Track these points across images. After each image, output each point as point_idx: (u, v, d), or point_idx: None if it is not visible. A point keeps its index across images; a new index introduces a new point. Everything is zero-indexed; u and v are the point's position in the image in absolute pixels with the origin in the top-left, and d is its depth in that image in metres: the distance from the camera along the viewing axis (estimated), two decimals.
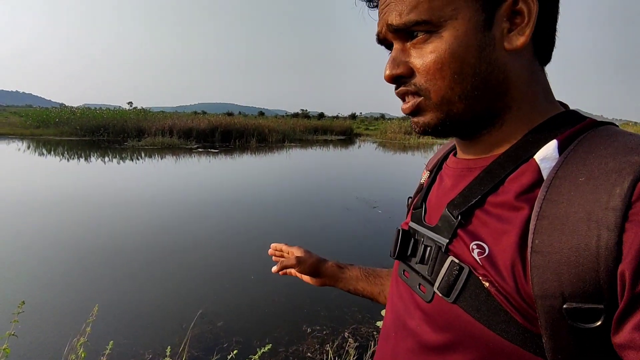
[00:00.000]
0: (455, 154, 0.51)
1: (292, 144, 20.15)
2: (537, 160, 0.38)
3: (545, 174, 0.36)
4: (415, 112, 0.44)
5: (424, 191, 0.54)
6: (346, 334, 2.78)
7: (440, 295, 0.41)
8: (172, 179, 9.03)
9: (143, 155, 13.13)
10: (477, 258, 0.38)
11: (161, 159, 12.58)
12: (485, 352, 0.37)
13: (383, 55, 0.46)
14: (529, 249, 0.33)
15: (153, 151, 14.22)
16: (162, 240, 4.74)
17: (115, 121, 18.91)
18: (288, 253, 0.85)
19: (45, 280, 3.56)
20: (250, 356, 1.81)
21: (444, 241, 0.43)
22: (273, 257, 0.88)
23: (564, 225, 0.32)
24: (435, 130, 0.44)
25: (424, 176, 0.58)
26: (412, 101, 0.44)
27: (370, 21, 0.47)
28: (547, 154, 0.37)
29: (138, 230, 5.06)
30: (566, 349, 0.32)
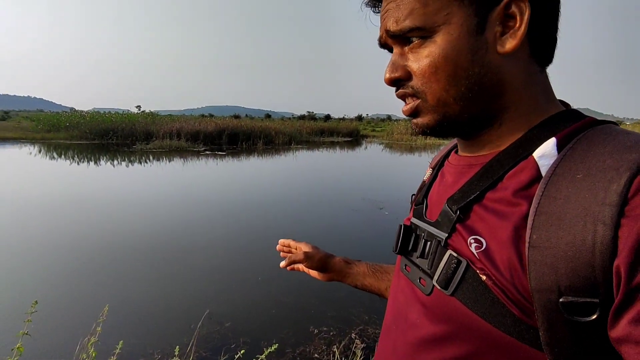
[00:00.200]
0: (457, 152, 0.52)
1: (298, 146, 20.19)
2: (535, 157, 0.38)
3: (543, 171, 0.37)
4: (414, 114, 0.46)
5: (425, 188, 0.55)
6: (353, 335, 2.79)
7: (438, 288, 0.42)
8: (180, 181, 9.11)
9: (151, 158, 13.27)
10: (474, 252, 0.39)
11: (169, 161, 12.70)
12: (482, 343, 0.38)
13: (388, 57, 0.48)
14: (526, 244, 0.34)
15: (161, 154, 14.36)
16: (171, 241, 4.78)
17: (124, 125, 19.16)
18: (296, 248, 0.86)
19: (57, 281, 3.62)
20: (257, 356, 1.83)
21: (443, 235, 0.44)
22: (281, 253, 0.89)
23: (561, 221, 0.32)
24: (433, 131, 0.45)
25: (427, 173, 0.59)
26: (410, 103, 0.45)
27: (375, 23, 0.48)
28: (545, 152, 0.38)
29: (147, 232, 5.11)
30: (562, 342, 0.33)
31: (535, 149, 0.39)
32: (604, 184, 0.31)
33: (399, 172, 12.28)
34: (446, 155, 0.55)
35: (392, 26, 0.43)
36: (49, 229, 5.14)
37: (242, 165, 12.75)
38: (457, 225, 0.42)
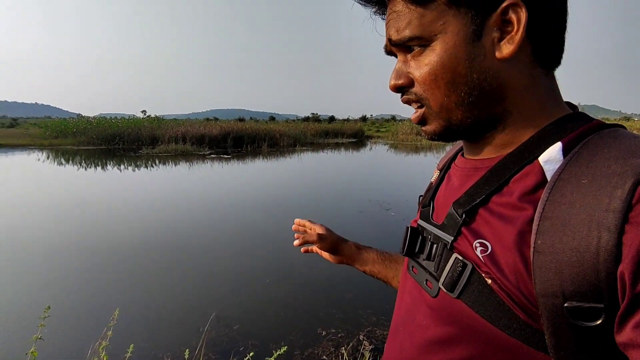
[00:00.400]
0: (463, 154, 0.52)
1: (303, 148, 20.21)
2: (541, 162, 0.39)
3: (549, 175, 0.37)
4: (422, 121, 0.47)
5: (432, 190, 0.56)
6: (361, 337, 2.78)
7: (444, 290, 0.43)
8: (186, 185, 9.16)
9: (157, 162, 13.38)
10: (480, 256, 0.39)
11: (175, 165, 12.79)
12: (488, 346, 0.38)
13: (391, 58, 0.47)
14: (531, 249, 0.35)
15: (167, 158, 14.46)
16: (179, 244, 4.81)
17: (130, 130, 19.33)
18: (311, 229, 0.88)
19: (68, 285, 3.66)
20: (266, 358, 1.83)
21: (449, 239, 0.44)
22: (296, 234, 0.90)
23: (565, 226, 0.33)
24: (441, 137, 0.47)
25: (434, 175, 0.60)
26: (418, 112, 0.47)
27: (380, 24, 0.50)
28: (551, 156, 0.38)
29: (155, 235, 5.15)
30: (568, 346, 0.33)
31: (541, 153, 0.39)
32: (609, 190, 0.31)
33: (404, 172, 12.24)
34: (453, 157, 0.56)
35: (394, 35, 0.44)
36: (59, 233, 5.20)
37: (247, 168, 12.80)
38: (463, 229, 0.43)
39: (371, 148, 21.40)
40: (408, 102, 0.47)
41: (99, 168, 11.81)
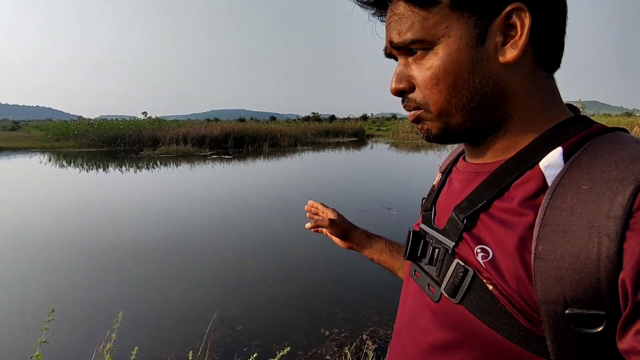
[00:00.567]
0: (464, 158, 0.52)
1: (304, 147, 20.21)
2: (541, 167, 0.38)
3: (549, 181, 0.37)
4: (417, 120, 0.47)
5: (434, 194, 0.55)
6: (364, 337, 2.79)
7: (446, 296, 0.43)
8: (188, 186, 9.18)
9: (159, 163, 13.40)
10: (481, 262, 0.39)
11: (177, 166, 12.81)
12: (490, 351, 0.38)
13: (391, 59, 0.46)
14: (532, 255, 0.34)
15: (168, 159, 14.48)
16: (181, 245, 4.83)
17: (131, 131, 19.36)
18: (323, 213, 0.89)
19: (71, 287, 3.67)
20: (270, 359, 1.84)
21: (450, 244, 0.44)
22: (307, 214, 0.92)
23: (566, 232, 0.33)
24: (437, 139, 0.47)
25: (437, 178, 0.60)
26: (413, 112, 0.47)
27: (379, 26, 0.49)
28: (551, 161, 0.38)
29: (157, 237, 5.16)
30: (569, 352, 0.33)
31: (542, 157, 0.39)
32: (609, 196, 0.31)
33: (406, 171, 12.23)
34: (455, 160, 0.56)
35: (395, 38, 0.44)
36: (62, 236, 5.21)
37: (249, 169, 12.81)
38: (464, 234, 0.43)
39: (372, 147, 21.39)
40: (409, 109, 0.47)
41: (100, 170, 11.84)
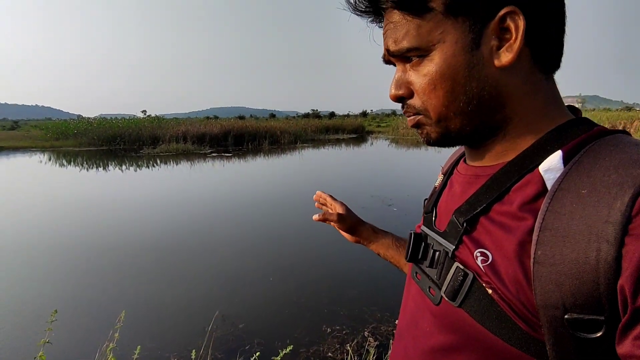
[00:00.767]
0: (465, 160, 0.52)
1: (304, 144, 20.20)
2: (541, 171, 0.38)
3: (549, 185, 0.37)
4: (417, 125, 0.47)
5: (435, 196, 0.55)
6: (366, 333, 2.80)
7: (446, 299, 0.43)
8: (188, 184, 9.18)
9: (159, 162, 13.40)
10: (480, 265, 0.39)
11: (177, 165, 12.81)
12: (489, 355, 0.39)
13: None
14: (531, 260, 0.34)
15: (168, 158, 14.48)
16: (183, 244, 4.84)
17: (131, 130, 19.34)
18: (331, 205, 0.89)
19: (73, 287, 3.69)
20: (272, 358, 1.84)
21: (450, 247, 0.44)
22: (316, 204, 0.91)
23: (565, 237, 0.32)
24: (437, 143, 0.47)
25: (438, 179, 0.60)
26: (413, 117, 0.47)
27: (377, 32, 0.49)
28: (551, 165, 0.38)
29: (158, 235, 5.17)
30: (569, 356, 0.33)
31: (542, 161, 0.39)
32: (608, 201, 0.31)
33: (406, 167, 12.23)
34: (456, 162, 0.56)
35: (392, 46, 0.44)
36: (63, 236, 5.22)
37: (249, 166, 12.80)
38: (464, 237, 0.43)
39: (372, 143, 21.37)
40: (408, 115, 0.48)
41: (100, 169, 11.84)
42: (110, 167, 12.14)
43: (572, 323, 0.32)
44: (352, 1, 0.47)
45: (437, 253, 0.47)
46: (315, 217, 0.84)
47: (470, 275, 0.40)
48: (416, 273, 0.52)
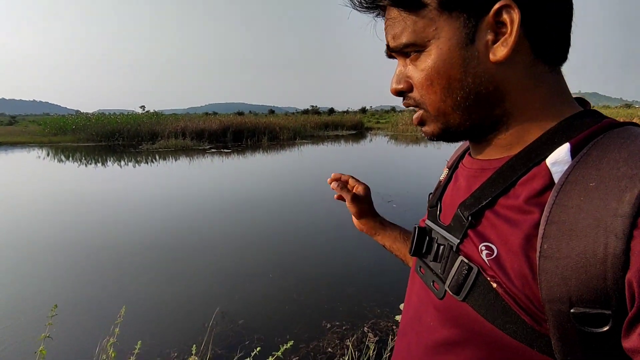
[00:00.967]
0: (471, 154, 0.51)
1: (303, 140, 20.17)
2: (548, 164, 0.38)
3: (556, 178, 0.36)
4: (421, 123, 0.48)
5: (440, 190, 0.55)
6: (365, 329, 2.81)
7: (450, 293, 0.43)
8: (188, 180, 9.17)
9: (157, 158, 13.36)
10: (485, 259, 0.39)
11: (176, 161, 12.78)
12: (494, 349, 0.38)
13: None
14: (537, 254, 0.34)
15: (167, 154, 14.45)
16: (182, 240, 4.84)
17: (130, 125, 19.27)
18: (354, 187, 0.85)
19: (73, 283, 3.69)
20: (273, 353, 1.85)
21: (455, 241, 0.44)
22: (331, 186, 0.86)
23: (572, 231, 0.32)
24: (440, 138, 0.47)
25: (443, 173, 0.59)
26: (416, 114, 0.48)
27: (380, 26, 0.50)
28: (558, 158, 0.37)
29: (158, 232, 5.17)
30: (575, 351, 0.33)
31: (549, 154, 0.38)
32: (617, 194, 0.30)
33: (406, 164, 12.23)
34: (462, 156, 0.55)
35: (391, 42, 0.45)
36: (64, 231, 5.22)
37: (248, 162, 12.79)
38: (469, 231, 0.42)
39: (371, 140, 21.35)
40: (408, 106, 0.48)
41: (99, 165, 11.82)
42: (109, 163, 12.11)
43: (578, 317, 0.31)
44: None
45: (442, 247, 0.47)
46: (333, 184, 0.82)
47: (475, 269, 0.40)
48: (420, 267, 0.51)
